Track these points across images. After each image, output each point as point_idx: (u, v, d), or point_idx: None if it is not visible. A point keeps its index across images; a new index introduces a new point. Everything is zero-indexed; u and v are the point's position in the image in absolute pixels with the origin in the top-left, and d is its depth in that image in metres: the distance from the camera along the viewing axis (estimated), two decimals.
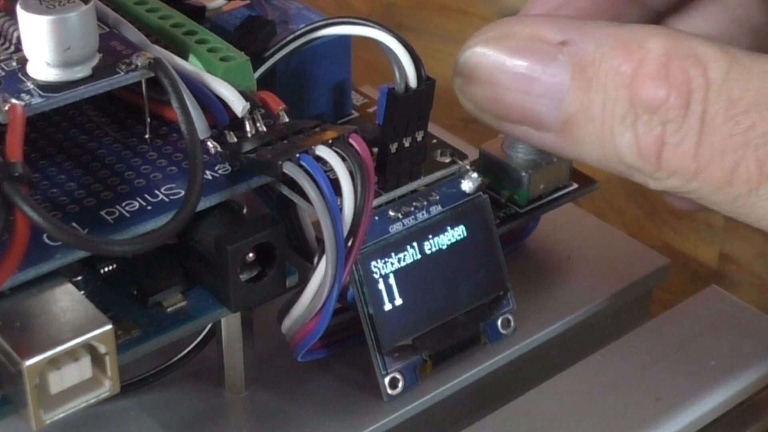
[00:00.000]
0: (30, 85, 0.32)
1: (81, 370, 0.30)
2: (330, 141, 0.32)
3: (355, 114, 0.42)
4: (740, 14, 0.37)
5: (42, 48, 0.32)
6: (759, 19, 0.37)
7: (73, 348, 0.30)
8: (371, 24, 0.36)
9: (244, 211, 0.34)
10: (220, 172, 0.33)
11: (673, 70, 0.30)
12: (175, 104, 0.32)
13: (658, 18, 0.38)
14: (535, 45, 0.31)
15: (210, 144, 0.33)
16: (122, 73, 0.33)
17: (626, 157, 0.31)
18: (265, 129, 0.34)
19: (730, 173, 0.30)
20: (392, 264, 0.36)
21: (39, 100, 0.32)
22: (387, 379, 0.36)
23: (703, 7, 0.38)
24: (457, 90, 0.33)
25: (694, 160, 0.30)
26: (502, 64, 0.32)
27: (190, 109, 0.32)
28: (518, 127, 0.33)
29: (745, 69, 0.30)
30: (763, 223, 0.31)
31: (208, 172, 0.33)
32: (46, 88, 0.32)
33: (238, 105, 0.33)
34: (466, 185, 0.38)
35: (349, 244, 0.33)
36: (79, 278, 0.32)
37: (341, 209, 0.32)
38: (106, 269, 0.34)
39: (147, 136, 0.35)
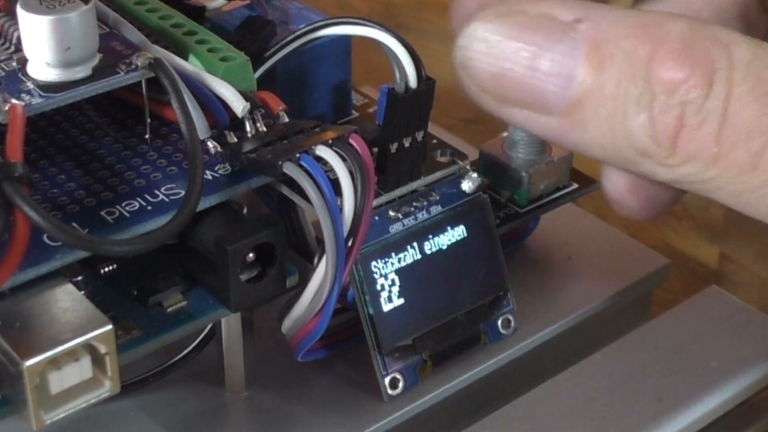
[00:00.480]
0: (30, 85, 0.32)
1: (81, 370, 0.30)
2: (330, 141, 0.32)
3: (356, 114, 0.42)
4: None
5: (42, 48, 0.32)
6: (747, 4, 0.36)
7: (74, 348, 0.30)
8: (371, 24, 0.36)
9: (245, 211, 0.34)
10: (220, 172, 0.33)
11: (696, 50, 0.28)
12: (175, 104, 0.32)
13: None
14: (546, 21, 0.30)
15: (210, 144, 0.33)
16: (122, 74, 0.33)
17: (638, 140, 0.29)
18: (265, 129, 0.34)
19: (757, 156, 0.28)
20: (392, 264, 0.36)
21: (39, 100, 0.32)
22: (387, 380, 0.36)
23: None
24: (459, 66, 0.31)
25: (716, 143, 0.28)
26: (509, 39, 0.30)
27: (190, 109, 0.32)
28: (520, 111, 0.30)
29: None
30: None
31: (208, 172, 0.33)
32: (47, 88, 0.32)
33: (238, 105, 0.33)
34: (466, 185, 0.38)
35: (349, 244, 0.33)
36: (80, 278, 0.32)
37: (341, 209, 0.32)
38: (107, 269, 0.34)
39: (147, 137, 0.35)
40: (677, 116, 0.28)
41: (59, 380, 0.30)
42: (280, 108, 0.34)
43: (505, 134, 0.41)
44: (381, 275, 0.36)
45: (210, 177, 0.33)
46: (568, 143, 0.31)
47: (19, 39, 0.33)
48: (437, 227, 0.37)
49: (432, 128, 0.38)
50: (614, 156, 0.30)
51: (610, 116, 0.29)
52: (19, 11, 0.32)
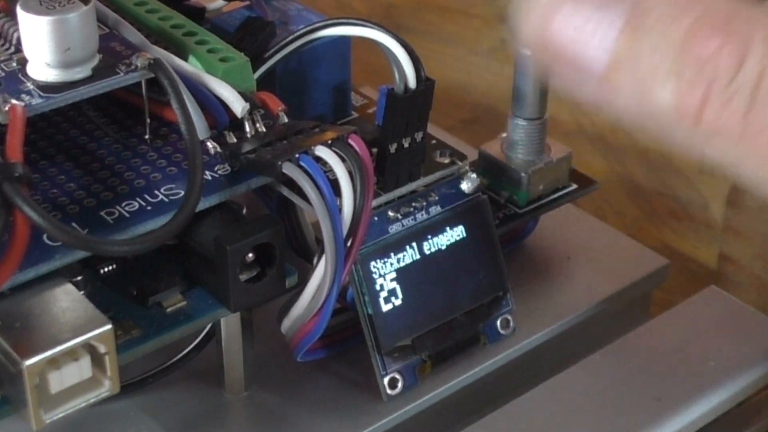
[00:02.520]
0: (30, 86, 0.32)
1: (81, 370, 0.30)
2: (329, 141, 0.33)
3: (355, 115, 0.42)
4: None
5: (42, 49, 0.32)
6: None
7: (73, 348, 0.30)
8: (371, 25, 0.36)
9: (244, 211, 0.34)
10: (219, 172, 0.33)
11: (734, 23, 0.27)
12: (174, 105, 0.32)
13: None
14: None
15: (210, 144, 0.33)
16: (122, 74, 0.33)
17: (664, 109, 0.28)
18: (264, 130, 0.34)
19: None
20: (391, 264, 0.36)
21: (39, 100, 0.32)
22: (386, 380, 0.36)
23: None
24: (513, 31, 0.31)
25: (744, 122, 0.27)
26: (559, 3, 0.30)
27: (190, 109, 0.33)
28: (567, 75, 0.30)
29: None
30: None
31: (207, 172, 0.33)
32: (46, 88, 0.32)
33: (238, 106, 0.33)
34: (466, 186, 0.38)
35: (349, 244, 0.33)
36: (79, 278, 0.32)
37: (340, 210, 0.32)
38: (106, 269, 0.34)
39: (147, 137, 0.35)
40: (704, 88, 0.27)
41: (59, 380, 0.30)
42: (280, 108, 0.34)
43: (504, 135, 0.41)
44: (380, 275, 0.36)
45: (209, 177, 0.33)
46: (606, 110, 0.30)
47: (19, 40, 0.33)
48: (436, 227, 0.37)
49: (431, 129, 0.38)
50: (648, 126, 0.29)
51: (641, 83, 0.29)
52: (19, 12, 0.32)
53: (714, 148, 0.28)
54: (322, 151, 0.32)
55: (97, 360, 0.30)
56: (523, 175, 0.40)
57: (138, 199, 0.33)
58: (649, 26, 0.29)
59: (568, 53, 0.30)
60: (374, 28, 0.36)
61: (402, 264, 0.36)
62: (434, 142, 0.39)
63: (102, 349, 0.30)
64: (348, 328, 0.37)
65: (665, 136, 0.29)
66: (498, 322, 0.39)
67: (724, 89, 0.27)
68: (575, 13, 0.30)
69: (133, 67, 0.33)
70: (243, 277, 0.33)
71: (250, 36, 0.38)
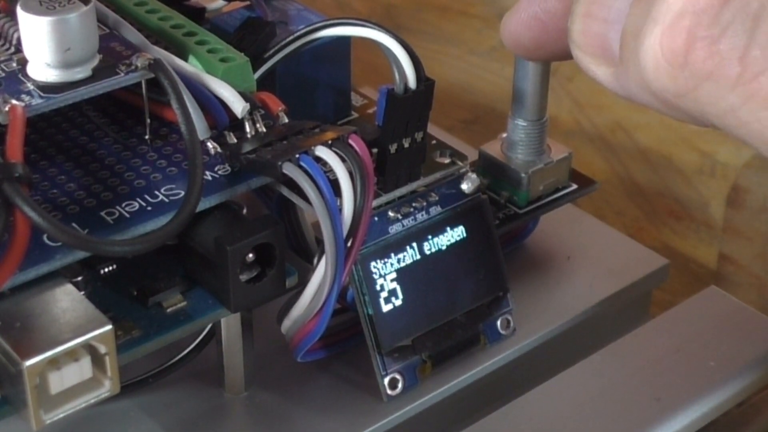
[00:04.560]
0: (30, 86, 0.32)
1: (81, 370, 0.30)
2: (329, 142, 0.33)
3: (355, 115, 0.42)
4: None
5: (42, 49, 0.32)
6: None
7: (73, 348, 0.30)
8: (371, 25, 0.36)
9: (244, 211, 0.34)
10: (219, 172, 0.33)
11: None
12: (175, 105, 0.32)
13: None
14: None
15: (210, 145, 0.33)
16: (122, 74, 0.33)
17: (649, 63, 0.25)
18: (264, 130, 0.34)
19: None
20: (392, 264, 0.36)
21: (39, 100, 0.32)
22: (386, 380, 0.36)
23: None
24: (568, 28, 0.29)
25: (740, 62, 0.24)
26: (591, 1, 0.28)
27: (190, 110, 0.33)
28: (600, 68, 0.28)
29: None
30: None
31: (207, 172, 0.33)
32: (46, 88, 0.32)
33: (238, 106, 0.33)
34: (466, 186, 0.38)
35: (349, 244, 0.33)
36: (79, 279, 0.32)
37: (341, 210, 0.32)
38: (106, 270, 0.34)
39: (147, 137, 0.35)
40: (687, 28, 0.24)
41: (59, 380, 0.30)
42: (280, 109, 0.34)
43: (504, 135, 0.41)
44: (380, 276, 0.36)
45: (210, 177, 0.33)
46: (622, 93, 0.28)
47: (19, 40, 0.33)
48: (436, 228, 0.37)
49: (431, 129, 0.38)
50: (646, 94, 0.26)
51: (635, 48, 0.26)
52: (19, 12, 0.32)
53: (706, 98, 0.25)
54: (322, 152, 0.32)
55: (97, 360, 0.30)
56: (523, 175, 0.40)
57: (138, 199, 0.33)
58: None
59: (598, 44, 0.28)
60: (374, 28, 0.36)
61: (402, 264, 0.36)
62: (434, 142, 0.39)
63: (102, 349, 0.30)
64: (348, 328, 0.37)
65: (662, 102, 0.26)
66: (498, 323, 0.39)
67: (711, 25, 0.24)
68: (603, 4, 0.28)
69: (133, 67, 0.33)
70: (243, 277, 0.33)
71: (250, 36, 0.38)
